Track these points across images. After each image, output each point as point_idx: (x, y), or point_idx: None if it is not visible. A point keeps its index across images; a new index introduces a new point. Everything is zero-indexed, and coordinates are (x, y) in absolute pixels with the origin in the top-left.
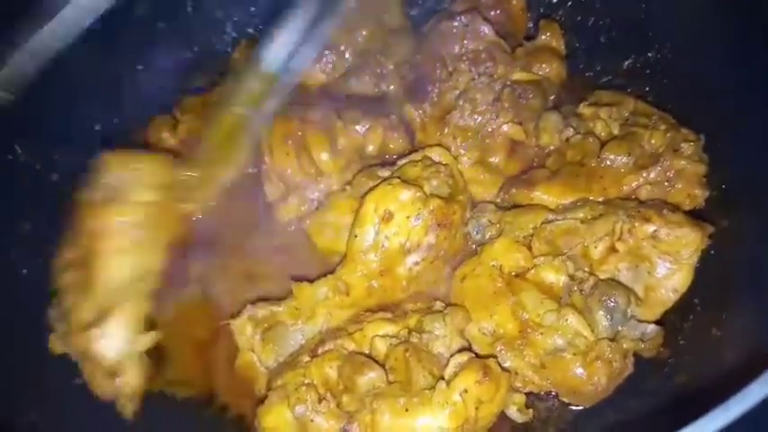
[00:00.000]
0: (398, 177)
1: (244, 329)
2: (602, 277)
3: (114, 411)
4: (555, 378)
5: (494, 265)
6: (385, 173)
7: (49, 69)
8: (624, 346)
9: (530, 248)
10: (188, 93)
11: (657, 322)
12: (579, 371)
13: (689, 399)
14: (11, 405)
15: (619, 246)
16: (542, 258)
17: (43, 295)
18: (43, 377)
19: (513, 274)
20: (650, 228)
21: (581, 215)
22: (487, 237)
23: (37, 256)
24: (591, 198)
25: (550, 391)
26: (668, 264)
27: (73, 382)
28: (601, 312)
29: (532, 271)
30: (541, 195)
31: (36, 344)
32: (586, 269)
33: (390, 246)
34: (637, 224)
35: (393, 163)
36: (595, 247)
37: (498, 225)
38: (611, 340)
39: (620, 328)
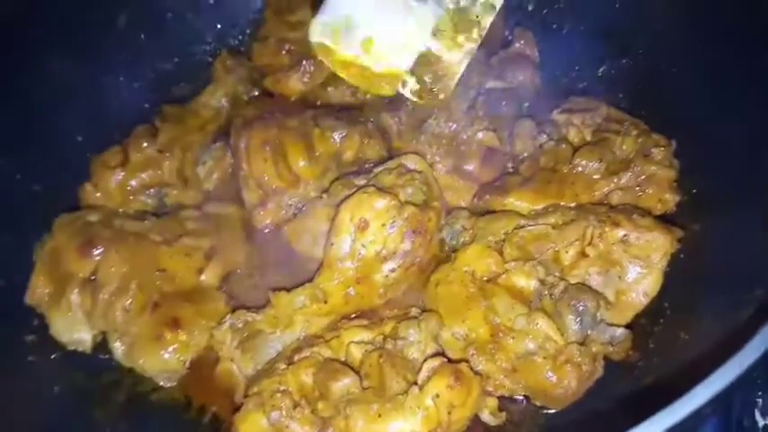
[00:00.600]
0: (373, 186)
1: (224, 338)
2: (572, 282)
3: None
4: (526, 381)
5: (466, 271)
6: (360, 181)
7: (32, 79)
8: (593, 349)
9: (501, 254)
10: (169, 102)
11: (628, 326)
12: (549, 374)
13: (656, 400)
14: None
15: (589, 251)
16: (513, 263)
17: (21, 305)
18: (22, 385)
19: (486, 279)
20: (620, 232)
21: (552, 220)
22: (461, 243)
23: (16, 267)
24: (563, 204)
25: (522, 395)
26: (638, 268)
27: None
28: (570, 316)
29: (504, 276)
30: (514, 202)
31: (12, 348)
32: (557, 274)
33: (367, 253)
34: (607, 229)
35: (369, 171)
36: (566, 252)
37: (472, 231)
38: (581, 344)
39: (589, 332)
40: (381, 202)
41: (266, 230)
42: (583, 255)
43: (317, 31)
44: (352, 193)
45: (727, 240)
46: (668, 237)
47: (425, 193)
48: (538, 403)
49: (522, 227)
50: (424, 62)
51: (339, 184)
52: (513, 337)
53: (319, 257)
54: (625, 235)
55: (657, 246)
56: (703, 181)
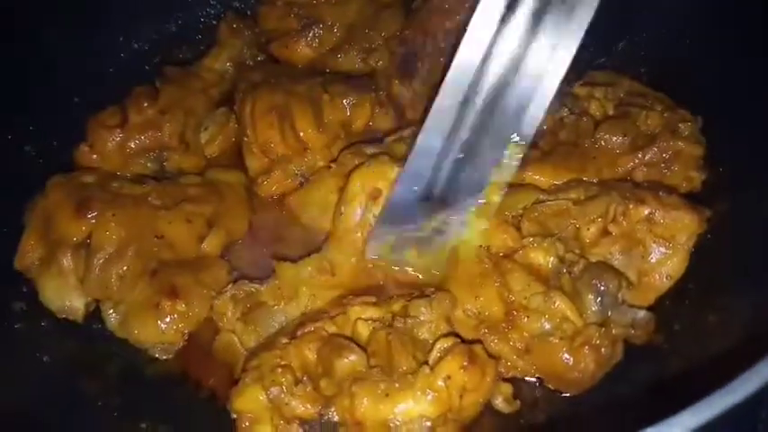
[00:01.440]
0: (386, 154)
1: (225, 310)
2: (593, 260)
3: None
4: (540, 363)
5: (481, 246)
6: (372, 150)
7: (27, 37)
8: (614, 332)
9: (519, 229)
10: (171, 64)
11: (650, 308)
12: (566, 356)
13: (683, 385)
14: None
15: (612, 228)
16: (531, 239)
17: (9, 271)
18: (9, 354)
19: (501, 254)
20: (645, 210)
21: (573, 196)
22: None
23: (6, 232)
24: (585, 179)
25: (536, 377)
26: (663, 248)
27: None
28: (590, 296)
29: (520, 252)
30: (533, 176)
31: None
32: (577, 251)
33: None
34: (631, 206)
35: (380, 140)
36: (588, 229)
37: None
38: (600, 326)
39: (609, 314)
40: (395, 171)
41: (271, 199)
42: (605, 232)
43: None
44: (364, 162)
45: (755, 219)
46: (695, 216)
47: None
48: (552, 386)
49: (542, 202)
50: None
51: (349, 153)
52: (529, 317)
53: (326, 229)
54: (650, 213)
55: (684, 226)
56: (730, 159)
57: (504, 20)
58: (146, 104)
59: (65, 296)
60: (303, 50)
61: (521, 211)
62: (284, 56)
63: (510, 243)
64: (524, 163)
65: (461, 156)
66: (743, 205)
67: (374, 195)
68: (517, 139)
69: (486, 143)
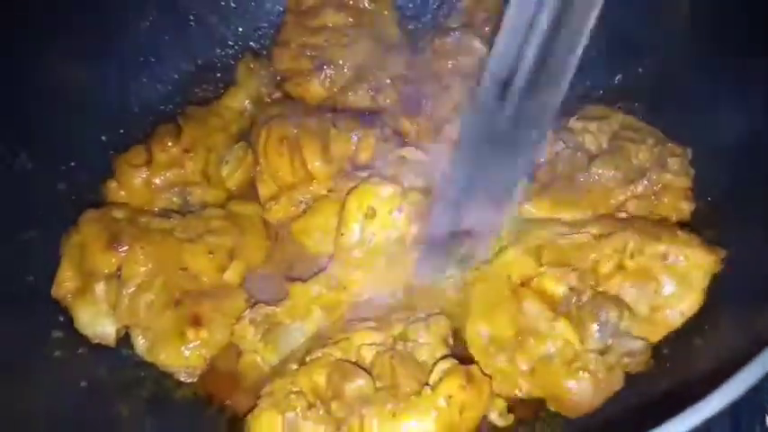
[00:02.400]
0: (377, 176)
1: (245, 333)
2: (603, 292)
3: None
4: (543, 385)
5: (503, 274)
6: (363, 174)
7: (56, 80)
8: (611, 360)
9: (539, 258)
10: (192, 103)
11: None
12: (565, 380)
13: (669, 407)
14: None
15: (627, 264)
16: (547, 268)
17: (47, 302)
18: (49, 380)
19: (520, 282)
20: (661, 247)
21: (593, 231)
22: (500, 246)
23: (42, 264)
24: (592, 213)
25: (538, 398)
26: (676, 285)
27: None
28: (593, 325)
29: (536, 279)
30: (531, 209)
31: (40, 343)
32: (591, 283)
33: (377, 240)
34: (647, 243)
35: (371, 166)
36: (605, 263)
37: (510, 236)
38: (600, 353)
39: (609, 342)
40: (387, 190)
41: (278, 226)
42: (620, 267)
43: None
44: (357, 185)
45: (743, 247)
46: (712, 256)
47: (426, 179)
48: (553, 408)
49: (564, 235)
50: None
51: (344, 178)
52: (535, 340)
53: (328, 251)
54: (665, 250)
55: (699, 264)
56: (720, 188)
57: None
58: (170, 143)
59: (98, 323)
60: (316, 89)
61: (541, 242)
62: (298, 94)
63: (529, 271)
64: (524, 196)
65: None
66: (731, 233)
67: (370, 214)
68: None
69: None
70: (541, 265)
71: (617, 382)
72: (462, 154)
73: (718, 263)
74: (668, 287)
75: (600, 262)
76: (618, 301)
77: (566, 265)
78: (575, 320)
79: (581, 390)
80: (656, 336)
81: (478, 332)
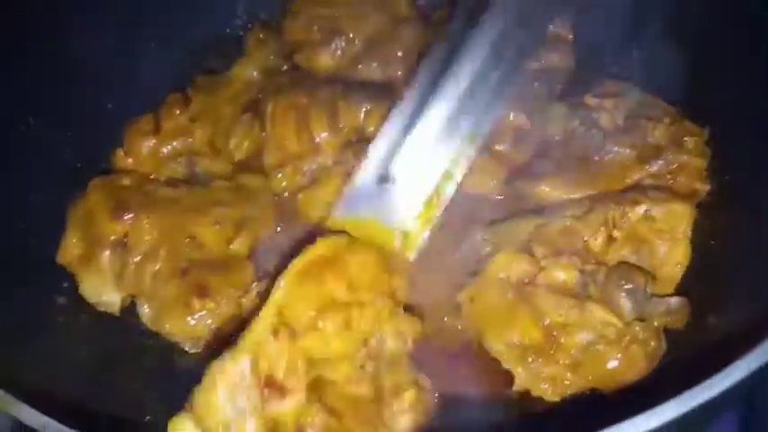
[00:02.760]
0: None
1: (253, 305)
2: (619, 264)
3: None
4: (594, 373)
5: (501, 278)
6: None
7: (64, 46)
8: (655, 324)
9: (532, 254)
10: (201, 73)
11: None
12: (617, 360)
13: (681, 384)
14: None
15: (616, 234)
16: (548, 260)
17: (51, 267)
18: (52, 346)
19: (523, 282)
20: (642, 209)
21: (570, 213)
22: (484, 254)
23: (48, 228)
24: (592, 192)
25: (591, 388)
26: (666, 241)
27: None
28: (622, 297)
29: (541, 275)
30: (545, 189)
31: (43, 309)
32: (593, 261)
33: None
34: (627, 209)
35: None
36: (595, 240)
37: (492, 240)
38: (642, 320)
39: (644, 309)
40: None
41: (286, 199)
42: (611, 239)
43: None
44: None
45: (757, 229)
46: (687, 204)
47: None
48: (607, 392)
49: (544, 225)
50: None
51: (350, 153)
52: (569, 332)
53: None
54: (647, 210)
55: (679, 215)
56: (737, 168)
57: None
58: (178, 112)
59: (102, 291)
60: (325, 60)
61: (527, 239)
62: (308, 65)
63: (528, 268)
64: (538, 176)
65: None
66: (747, 213)
67: None
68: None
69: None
70: (538, 260)
71: (663, 346)
72: None
73: (694, 209)
74: (660, 245)
75: (589, 241)
76: (638, 267)
77: (561, 252)
78: (601, 300)
79: (635, 363)
80: (667, 292)
81: (506, 344)
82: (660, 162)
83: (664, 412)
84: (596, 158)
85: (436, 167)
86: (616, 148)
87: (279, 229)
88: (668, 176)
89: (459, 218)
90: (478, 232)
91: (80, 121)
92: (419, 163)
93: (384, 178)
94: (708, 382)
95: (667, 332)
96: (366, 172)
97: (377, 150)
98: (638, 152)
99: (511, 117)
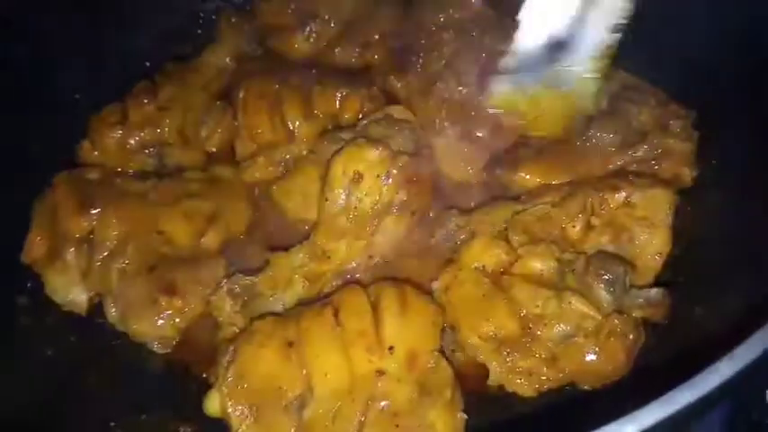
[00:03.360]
0: (363, 137)
1: (222, 304)
2: (598, 253)
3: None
4: (570, 367)
5: (476, 267)
6: (348, 135)
7: (30, 37)
8: (634, 315)
9: (508, 242)
10: (171, 60)
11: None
12: (594, 353)
13: (667, 377)
14: None
15: (594, 221)
16: (525, 248)
17: (13, 267)
18: (13, 348)
19: (499, 271)
20: (621, 195)
21: (549, 199)
22: (460, 241)
23: (11, 228)
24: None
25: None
26: (646, 228)
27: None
28: (601, 287)
29: (517, 264)
30: (525, 176)
31: (4, 315)
32: (571, 250)
33: (363, 207)
34: (607, 195)
35: (355, 125)
36: (573, 227)
37: (467, 227)
38: (620, 313)
39: (623, 300)
40: (375, 153)
41: (260, 193)
42: (589, 227)
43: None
44: (342, 147)
45: (747, 214)
46: (668, 190)
47: (415, 141)
48: (585, 386)
49: (521, 211)
50: None
51: (325, 140)
52: (545, 324)
53: (309, 217)
54: (627, 197)
55: (660, 201)
56: (724, 152)
57: None
58: (145, 101)
59: (69, 290)
60: (300, 45)
61: (504, 226)
62: (282, 50)
63: (504, 257)
64: (517, 162)
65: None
66: (735, 198)
67: (356, 179)
68: None
69: None
70: (515, 248)
71: (642, 337)
72: None
73: (676, 195)
74: (640, 233)
75: (567, 228)
76: (617, 257)
77: (538, 239)
78: (579, 291)
79: (613, 357)
80: (646, 282)
81: (481, 336)
82: (645, 147)
83: (650, 413)
84: (579, 144)
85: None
86: (599, 133)
87: (252, 222)
88: (653, 162)
89: (436, 205)
90: (453, 219)
91: (45, 114)
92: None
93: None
94: (692, 381)
95: (653, 326)
96: (527, 38)
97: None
98: (623, 136)
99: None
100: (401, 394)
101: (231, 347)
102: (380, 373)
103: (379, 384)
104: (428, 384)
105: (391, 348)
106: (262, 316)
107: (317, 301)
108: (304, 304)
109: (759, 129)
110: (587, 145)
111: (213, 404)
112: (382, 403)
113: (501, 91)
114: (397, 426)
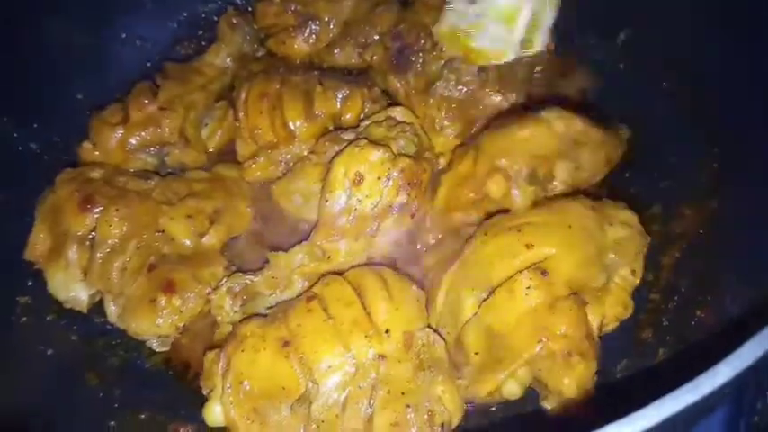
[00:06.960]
0: (365, 139)
1: (222, 303)
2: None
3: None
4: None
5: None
6: (349, 136)
7: (32, 37)
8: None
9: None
10: (173, 61)
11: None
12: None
13: (668, 379)
14: None
15: None
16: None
17: (15, 266)
18: (14, 346)
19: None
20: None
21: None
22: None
23: (13, 227)
24: None
25: None
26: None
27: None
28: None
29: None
30: None
31: (5, 314)
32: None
33: (362, 208)
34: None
35: (356, 126)
36: None
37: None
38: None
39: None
40: (376, 155)
41: (262, 192)
42: None
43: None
44: (344, 148)
45: (746, 217)
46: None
47: (417, 144)
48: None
49: None
50: None
51: (326, 141)
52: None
53: (309, 217)
54: None
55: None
56: (723, 156)
57: None
58: (146, 101)
59: (70, 287)
60: (300, 46)
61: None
62: (282, 51)
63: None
64: None
65: None
66: (734, 202)
67: (357, 181)
68: None
69: None
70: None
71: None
72: None
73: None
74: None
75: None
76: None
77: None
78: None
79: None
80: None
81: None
82: None
83: (650, 414)
84: None
85: None
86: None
87: (254, 221)
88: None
89: None
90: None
91: (47, 113)
92: None
93: None
94: (693, 382)
95: (653, 327)
96: None
97: None
98: None
99: (495, 99)
100: (404, 374)
101: (222, 355)
102: (382, 357)
103: (382, 368)
104: (426, 360)
105: (387, 332)
106: (244, 320)
107: (297, 297)
108: (281, 302)
109: (759, 129)
110: None
111: (213, 414)
112: (388, 386)
113: (449, 22)
114: (408, 405)
